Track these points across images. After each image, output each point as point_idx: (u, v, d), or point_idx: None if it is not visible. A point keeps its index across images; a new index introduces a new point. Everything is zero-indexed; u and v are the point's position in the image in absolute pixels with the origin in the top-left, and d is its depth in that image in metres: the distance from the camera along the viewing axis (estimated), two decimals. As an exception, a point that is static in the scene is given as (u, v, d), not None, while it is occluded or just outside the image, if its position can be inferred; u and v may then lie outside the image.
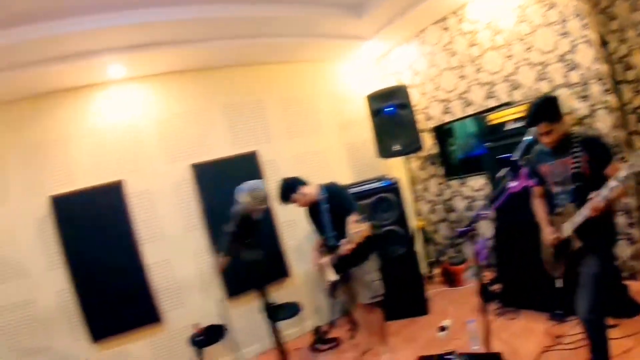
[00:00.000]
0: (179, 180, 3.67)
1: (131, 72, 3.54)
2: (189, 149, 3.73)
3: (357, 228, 2.56)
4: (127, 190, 3.50)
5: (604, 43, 2.96)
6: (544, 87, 3.30)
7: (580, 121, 3.06)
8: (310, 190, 2.91)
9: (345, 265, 2.83)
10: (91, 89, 3.54)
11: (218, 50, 3.53)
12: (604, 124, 2.96)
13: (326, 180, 3.02)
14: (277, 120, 4.06)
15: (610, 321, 2.19)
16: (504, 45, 3.52)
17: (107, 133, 3.56)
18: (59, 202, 3.33)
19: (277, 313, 3.41)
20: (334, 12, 3.64)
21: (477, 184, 4.07)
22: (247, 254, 1.80)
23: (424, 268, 4.17)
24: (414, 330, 3.38)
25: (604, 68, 2.91)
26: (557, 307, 2.77)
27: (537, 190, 2.20)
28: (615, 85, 2.95)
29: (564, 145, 1.95)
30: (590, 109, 3.02)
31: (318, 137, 4.20)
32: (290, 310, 3.36)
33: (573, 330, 2.49)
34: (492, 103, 3.72)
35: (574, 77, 3.07)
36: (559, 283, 2.14)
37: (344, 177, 3.99)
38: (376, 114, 3.97)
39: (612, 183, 1.69)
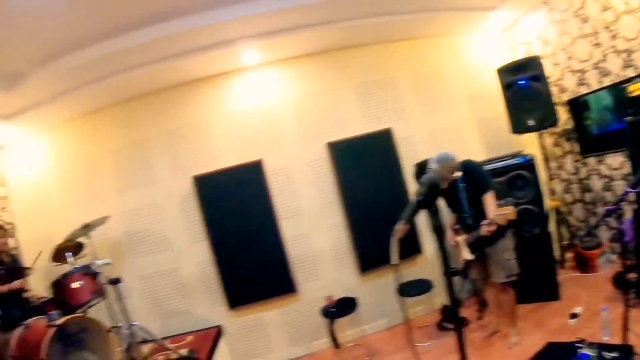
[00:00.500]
0: (315, 158, 3.82)
1: (265, 58, 3.72)
2: (324, 128, 3.85)
3: (501, 211, 2.47)
4: (265, 169, 3.73)
5: None
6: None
7: None
8: None
9: (481, 245, 2.77)
10: (227, 76, 3.80)
11: (349, 31, 3.56)
12: None
13: (460, 157, 2.91)
14: (410, 97, 4.03)
15: None
16: (640, 8, 3.10)
17: (244, 116, 3.81)
18: (201, 181, 3.66)
19: (408, 289, 3.49)
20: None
21: (616, 162, 3.70)
22: (432, 220, 1.83)
23: (556, 251, 3.93)
24: (544, 315, 3.24)
25: None
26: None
27: None
28: None
29: None
30: None
31: (450, 113, 4.10)
32: (421, 287, 3.39)
33: None
34: (630, 73, 3.33)
35: None
36: None
37: (476, 153, 3.88)
38: (508, 87, 3.76)
39: None
